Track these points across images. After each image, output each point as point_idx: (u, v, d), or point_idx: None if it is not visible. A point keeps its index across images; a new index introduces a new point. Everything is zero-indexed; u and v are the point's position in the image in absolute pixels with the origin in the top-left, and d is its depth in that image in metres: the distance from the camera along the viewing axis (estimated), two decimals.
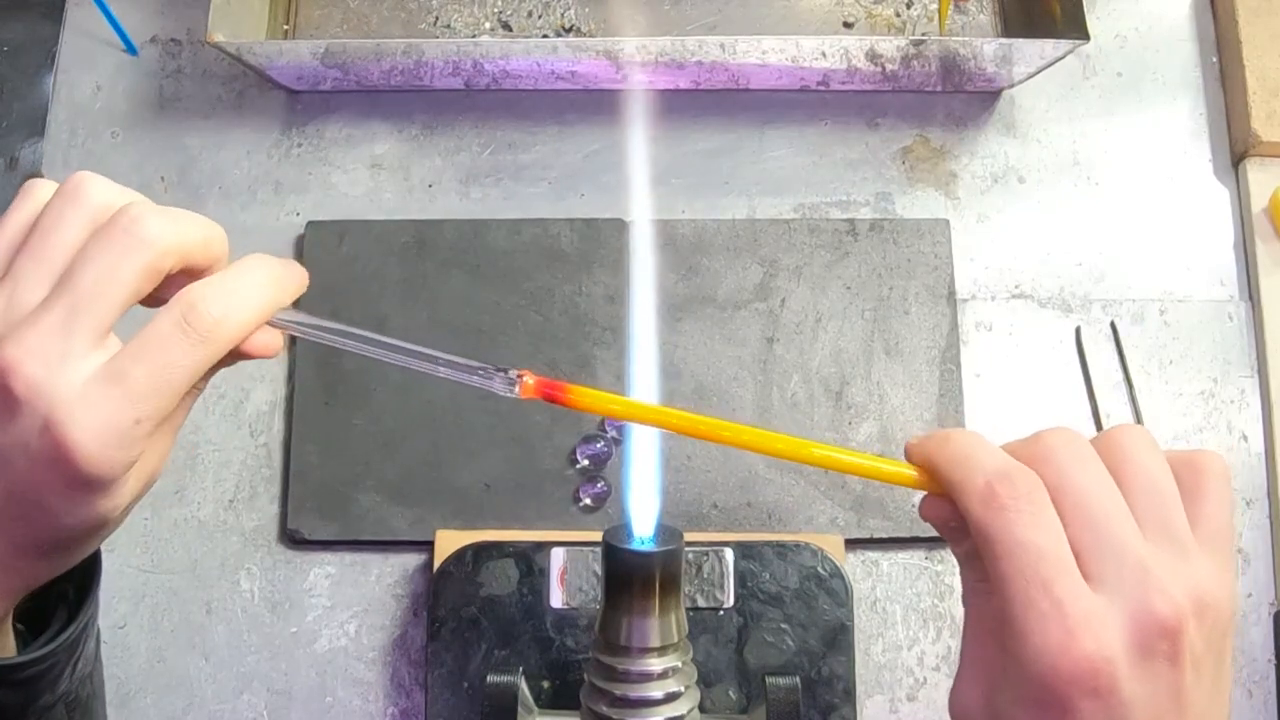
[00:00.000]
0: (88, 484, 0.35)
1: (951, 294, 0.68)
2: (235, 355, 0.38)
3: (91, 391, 0.35)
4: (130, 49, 0.74)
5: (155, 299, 0.38)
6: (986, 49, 0.66)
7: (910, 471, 0.38)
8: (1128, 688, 0.32)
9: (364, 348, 0.40)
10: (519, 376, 0.39)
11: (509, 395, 0.39)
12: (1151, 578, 0.33)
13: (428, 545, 0.63)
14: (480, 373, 0.39)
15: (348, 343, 0.40)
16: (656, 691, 0.43)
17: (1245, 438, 0.67)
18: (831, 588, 0.61)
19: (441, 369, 0.39)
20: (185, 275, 0.38)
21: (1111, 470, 0.35)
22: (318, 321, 0.40)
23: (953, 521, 0.37)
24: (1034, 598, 0.33)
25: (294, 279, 0.40)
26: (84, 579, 0.42)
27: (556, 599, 0.60)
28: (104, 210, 0.37)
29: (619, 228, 0.69)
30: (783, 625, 0.60)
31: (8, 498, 0.35)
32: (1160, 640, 0.32)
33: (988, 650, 0.36)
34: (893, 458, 0.39)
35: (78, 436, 0.34)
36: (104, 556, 0.43)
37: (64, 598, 0.42)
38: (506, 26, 0.74)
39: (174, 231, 0.37)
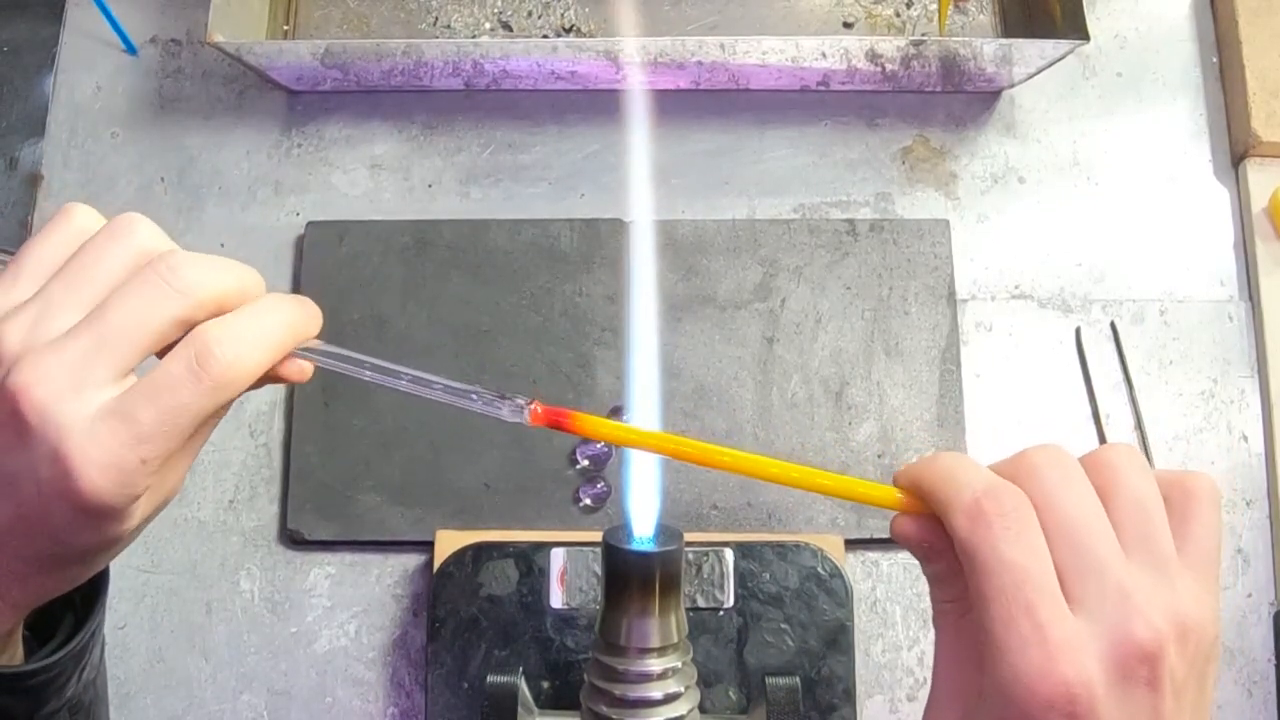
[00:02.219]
0: (96, 513, 0.35)
1: (951, 294, 0.68)
2: (266, 380, 0.38)
3: (100, 428, 0.34)
4: (130, 49, 0.74)
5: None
6: (986, 49, 0.66)
7: (894, 492, 0.38)
8: (1105, 712, 0.32)
9: (380, 378, 0.40)
10: (527, 405, 0.39)
11: (518, 422, 0.39)
12: (1131, 601, 0.32)
13: (428, 545, 0.63)
14: (490, 401, 0.39)
15: (365, 372, 0.40)
16: (656, 692, 0.43)
17: (1245, 438, 0.67)
18: (831, 588, 0.61)
19: (453, 398, 0.39)
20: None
21: (1098, 490, 0.35)
22: (338, 351, 0.40)
23: (926, 541, 0.37)
24: (1015, 619, 0.32)
25: (309, 320, 0.40)
26: (91, 587, 0.42)
27: (556, 599, 0.60)
28: (148, 255, 0.37)
29: (619, 228, 0.69)
30: (783, 625, 0.60)
31: (18, 518, 0.35)
32: (1139, 665, 0.32)
33: (964, 673, 0.36)
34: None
35: (85, 471, 0.34)
36: None
37: (71, 605, 0.42)
38: (506, 26, 0.74)
39: (211, 282, 0.36)
